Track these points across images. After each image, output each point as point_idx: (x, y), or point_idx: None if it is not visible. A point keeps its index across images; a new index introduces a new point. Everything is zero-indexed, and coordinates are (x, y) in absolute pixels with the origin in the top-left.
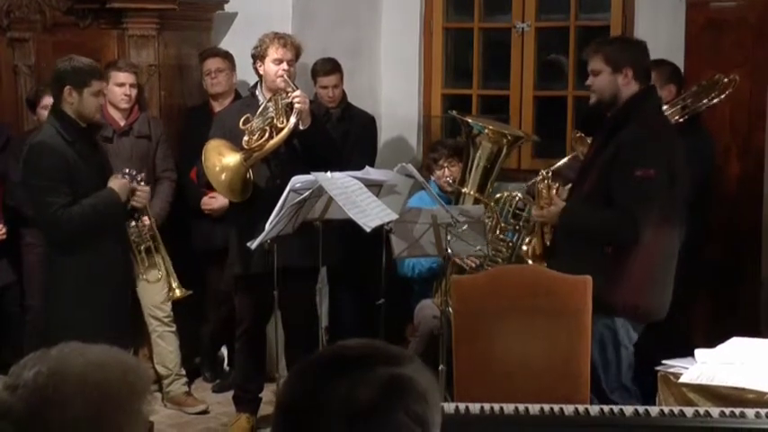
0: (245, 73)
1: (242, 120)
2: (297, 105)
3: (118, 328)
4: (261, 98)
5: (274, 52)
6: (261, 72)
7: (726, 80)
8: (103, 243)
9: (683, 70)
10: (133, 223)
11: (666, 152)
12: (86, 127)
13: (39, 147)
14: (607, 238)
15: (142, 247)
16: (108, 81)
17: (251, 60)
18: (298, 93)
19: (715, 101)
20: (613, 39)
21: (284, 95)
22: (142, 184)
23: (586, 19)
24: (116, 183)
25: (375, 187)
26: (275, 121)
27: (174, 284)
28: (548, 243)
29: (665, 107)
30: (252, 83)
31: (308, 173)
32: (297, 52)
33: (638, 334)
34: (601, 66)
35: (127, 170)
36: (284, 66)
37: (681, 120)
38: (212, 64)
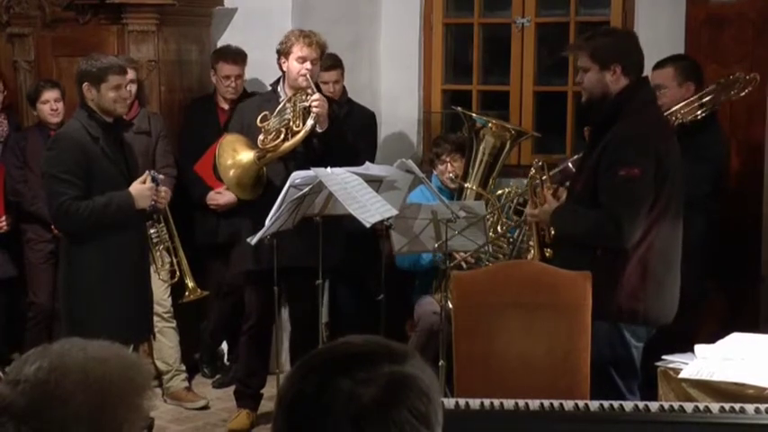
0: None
1: (260, 117)
2: (315, 110)
3: (135, 325)
4: (282, 95)
5: (299, 50)
6: (284, 68)
7: (746, 78)
8: (122, 241)
9: None
10: (152, 223)
11: (655, 148)
12: (112, 123)
13: (62, 138)
14: (594, 241)
15: (160, 247)
16: None
17: (251, 57)
18: (317, 96)
19: (733, 99)
20: (599, 33)
21: (303, 97)
22: (161, 187)
23: (586, 14)
24: (137, 188)
25: (375, 183)
26: (291, 123)
27: (191, 285)
28: (547, 253)
29: (681, 104)
30: (251, 80)
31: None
32: (322, 51)
33: (647, 332)
34: (588, 63)
35: (153, 172)
36: (308, 65)
37: (698, 117)
38: (232, 71)
